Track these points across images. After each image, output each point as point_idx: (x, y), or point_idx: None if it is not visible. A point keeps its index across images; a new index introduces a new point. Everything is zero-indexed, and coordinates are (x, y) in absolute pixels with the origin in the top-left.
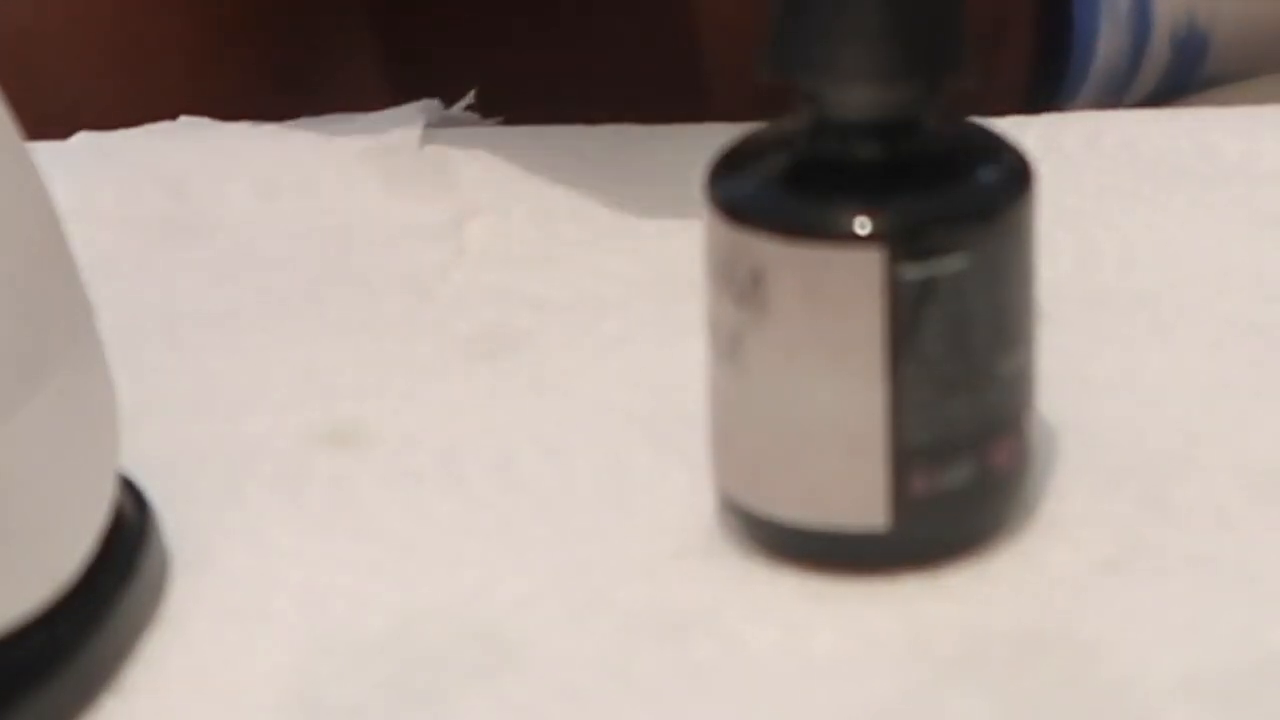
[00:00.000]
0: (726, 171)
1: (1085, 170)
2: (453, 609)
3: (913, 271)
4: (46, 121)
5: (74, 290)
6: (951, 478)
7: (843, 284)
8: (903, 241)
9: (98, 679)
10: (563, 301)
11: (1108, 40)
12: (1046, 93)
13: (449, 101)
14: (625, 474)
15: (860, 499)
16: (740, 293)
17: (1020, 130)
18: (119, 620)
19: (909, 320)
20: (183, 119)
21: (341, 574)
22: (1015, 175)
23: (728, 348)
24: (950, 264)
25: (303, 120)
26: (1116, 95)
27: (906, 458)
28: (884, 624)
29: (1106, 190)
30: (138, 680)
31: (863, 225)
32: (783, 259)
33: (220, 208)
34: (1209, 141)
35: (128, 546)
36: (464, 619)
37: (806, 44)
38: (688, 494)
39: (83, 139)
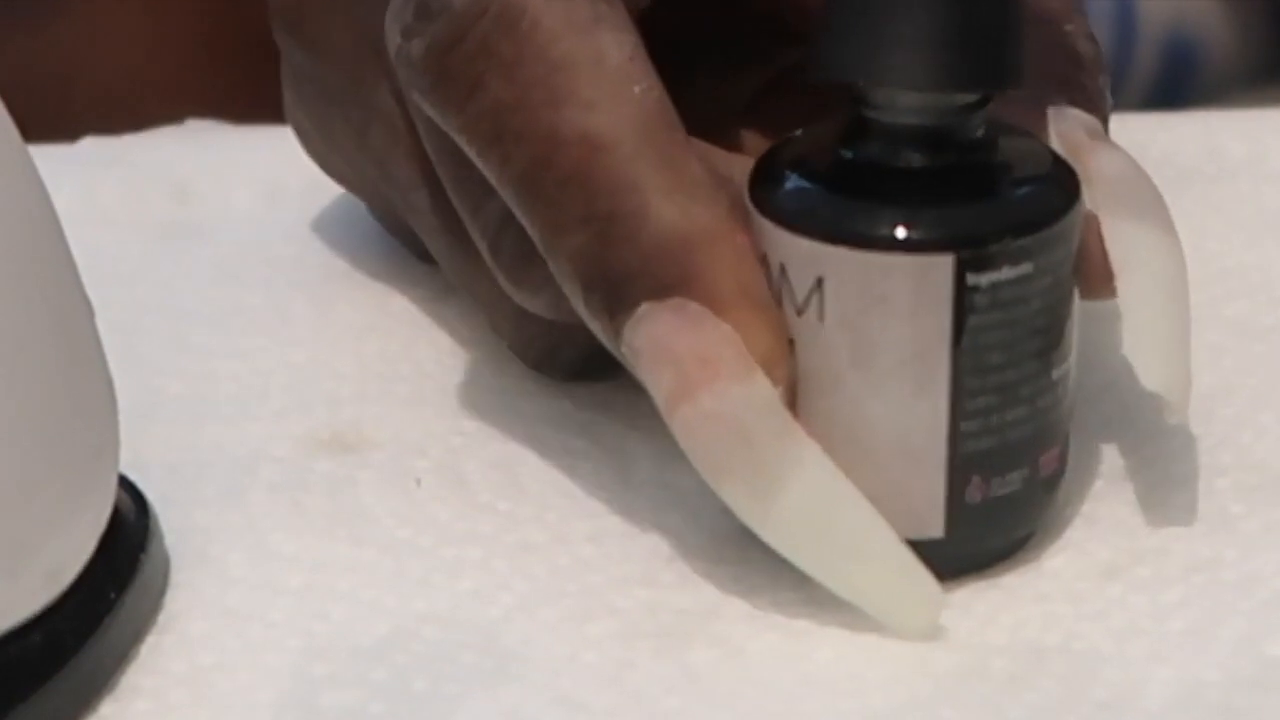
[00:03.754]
0: (772, 177)
1: None
2: (452, 614)
3: (980, 278)
4: None
5: (74, 291)
6: (1005, 485)
7: (912, 290)
8: (972, 248)
9: (96, 681)
10: None
11: None
12: None
13: None
14: (627, 479)
15: (918, 509)
16: (794, 301)
17: None
18: (119, 623)
19: (975, 328)
20: (189, 122)
21: (341, 579)
22: (1066, 182)
23: None
24: (1013, 271)
25: None
26: None
27: (965, 466)
28: (883, 633)
29: None
30: (136, 683)
31: (934, 231)
32: (848, 265)
33: (225, 210)
34: (1215, 143)
35: (128, 548)
36: (463, 624)
37: (875, 49)
38: (690, 499)
39: (89, 143)
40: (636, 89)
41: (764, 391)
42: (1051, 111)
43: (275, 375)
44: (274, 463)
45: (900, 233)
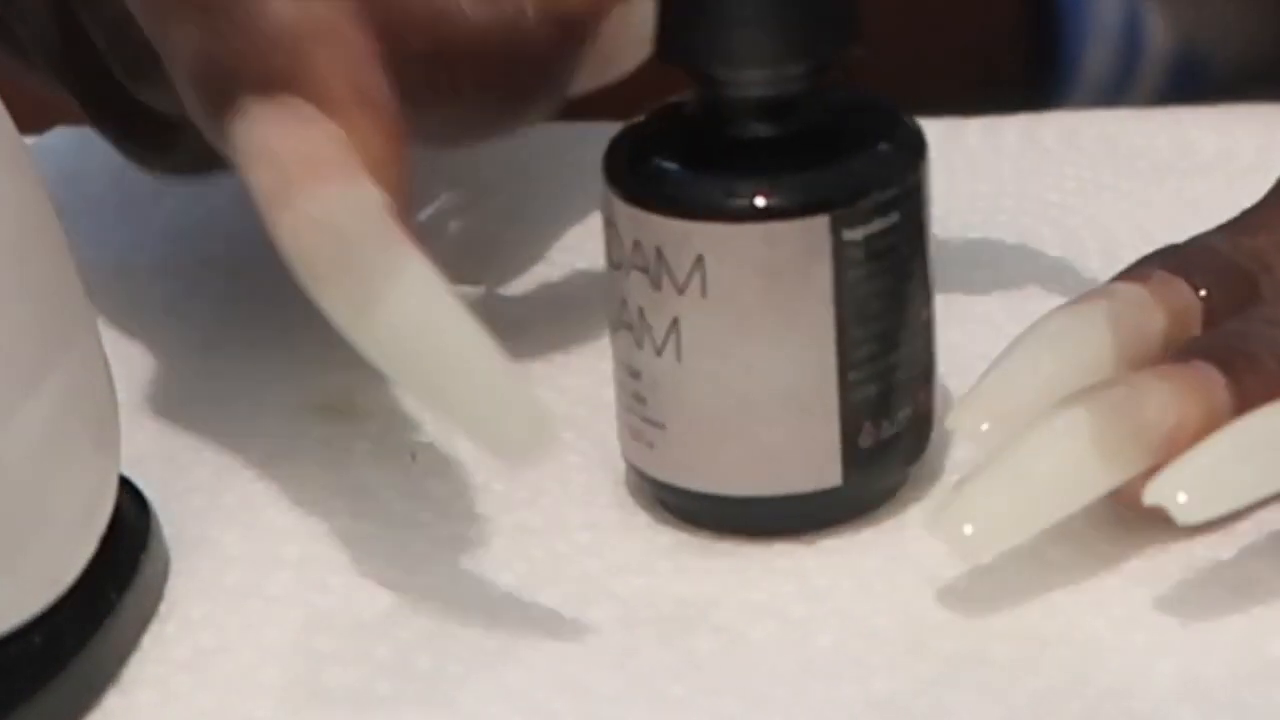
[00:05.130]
0: (634, 161)
1: (1065, 166)
2: (453, 590)
3: (855, 233)
4: None
5: (74, 290)
6: (893, 425)
7: (792, 254)
8: (845, 205)
9: (98, 681)
10: (560, 296)
11: (1094, 57)
12: (1034, 106)
13: None
14: (617, 472)
15: (816, 461)
16: (675, 281)
17: (999, 128)
18: (119, 623)
19: (854, 281)
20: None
21: (340, 551)
22: (915, 136)
23: (661, 338)
24: (883, 222)
25: None
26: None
27: (856, 414)
28: (884, 621)
29: (1087, 185)
30: (139, 673)
31: (808, 195)
32: (727, 240)
33: (205, 190)
34: (1186, 137)
35: (128, 549)
36: (464, 601)
37: (711, 31)
38: None
39: (60, 133)
40: None
41: (369, 197)
42: None
43: (264, 350)
44: (267, 436)
45: (776, 201)
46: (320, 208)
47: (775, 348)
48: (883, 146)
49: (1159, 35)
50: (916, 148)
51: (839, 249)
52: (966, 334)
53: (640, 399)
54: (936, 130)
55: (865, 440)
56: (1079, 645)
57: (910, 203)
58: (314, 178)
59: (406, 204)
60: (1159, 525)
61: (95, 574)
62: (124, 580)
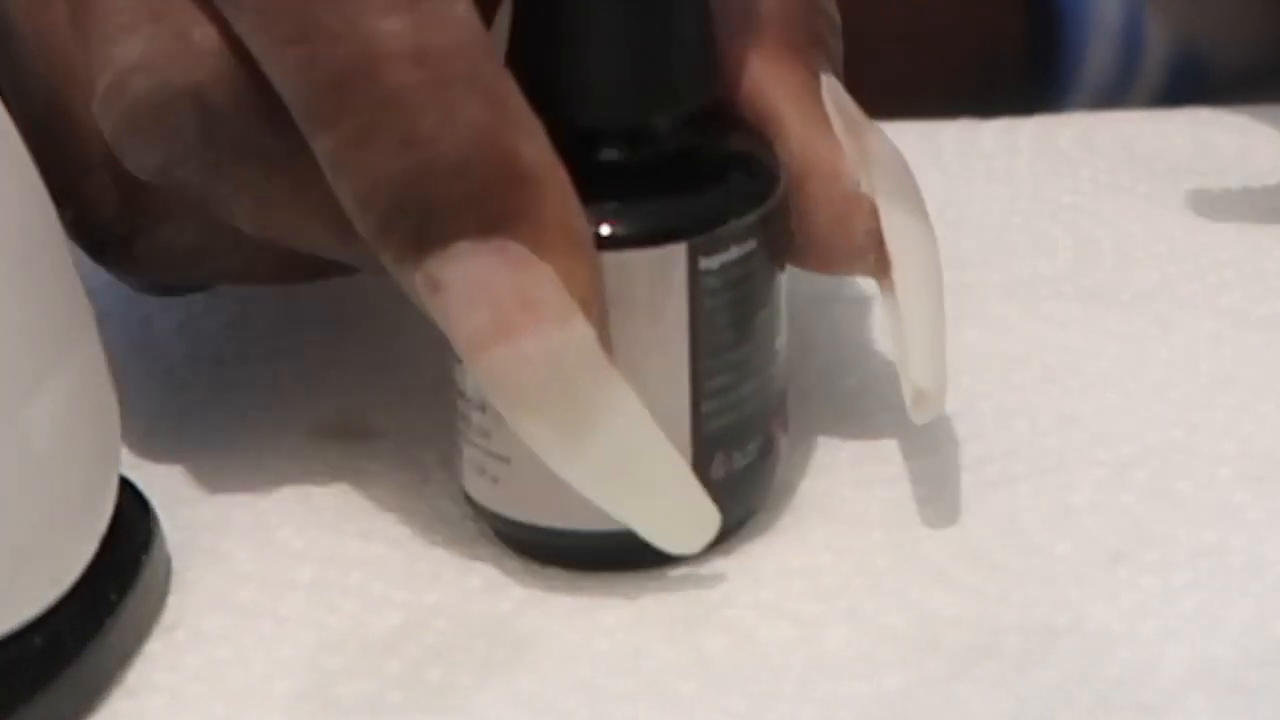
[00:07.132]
0: None
1: (1081, 168)
2: (463, 606)
3: (711, 261)
4: None
5: (74, 291)
6: (744, 456)
7: (649, 284)
8: (702, 232)
9: (98, 684)
10: None
11: (1094, 58)
12: (1034, 108)
13: None
14: None
15: None
16: None
17: (1014, 130)
18: (120, 625)
19: (710, 310)
20: None
21: (351, 573)
22: (769, 159)
23: None
24: (740, 250)
25: None
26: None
27: (709, 445)
28: (894, 618)
29: (1103, 188)
30: (152, 679)
31: (665, 222)
32: None
33: None
34: (1204, 139)
35: (129, 550)
36: (474, 616)
37: (566, 69)
38: None
39: None
40: (462, 6)
41: (584, 334)
42: (825, 79)
43: (279, 370)
44: (280, 455)
45: (630, 229)
46: (541, 348)
47: (630, 381)
48: (740, 171)
49: (1159, 37)
50: (773, 172)
51: (695, 278)
52: (981, 335)
53: (484, 433)
54: (951, 133)
55: (717, 471)
56: (1089, 636)
57: (767, 229)
58: (534, 320)
59: (606, 329)
60: (1165, 517)
61: (96, 575)
62: (125, 582)
